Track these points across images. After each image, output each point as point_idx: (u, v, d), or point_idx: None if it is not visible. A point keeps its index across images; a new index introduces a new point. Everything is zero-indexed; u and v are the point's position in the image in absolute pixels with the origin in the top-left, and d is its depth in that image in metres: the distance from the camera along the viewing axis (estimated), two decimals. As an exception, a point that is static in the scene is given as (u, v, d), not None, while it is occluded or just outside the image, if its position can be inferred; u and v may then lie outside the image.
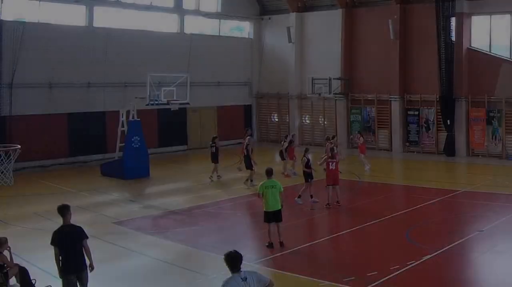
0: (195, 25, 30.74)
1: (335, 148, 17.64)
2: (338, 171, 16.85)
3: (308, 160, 16.89)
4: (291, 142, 22.30)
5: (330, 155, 16.51)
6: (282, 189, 12.53)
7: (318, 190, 17.10)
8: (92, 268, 8.78)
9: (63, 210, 8.66)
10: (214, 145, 21.21)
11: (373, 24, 28.45)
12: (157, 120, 28.02)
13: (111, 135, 24.43)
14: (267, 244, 12.48)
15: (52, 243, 8.51)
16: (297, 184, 20.02)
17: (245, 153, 20.03)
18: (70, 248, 8.50)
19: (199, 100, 29.31)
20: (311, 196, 16.80)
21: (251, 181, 19.40)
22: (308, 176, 16.77)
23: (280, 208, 12.43)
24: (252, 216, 15.96)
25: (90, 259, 8.73)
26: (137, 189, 19.75)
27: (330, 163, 16.37)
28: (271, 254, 12.11)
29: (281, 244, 12.47)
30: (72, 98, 25.18)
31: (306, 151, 17.30)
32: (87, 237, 8.73)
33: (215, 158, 21.07)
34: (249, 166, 19.84)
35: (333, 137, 22.35)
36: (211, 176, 20.92)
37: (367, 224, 14.41)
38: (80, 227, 8.79)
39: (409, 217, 15.30)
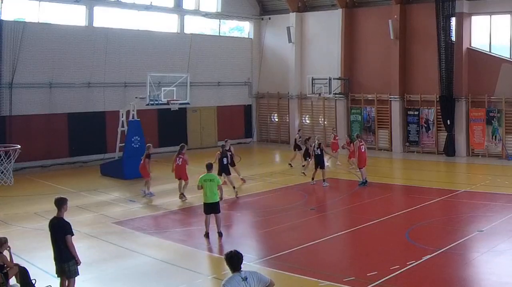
0: (195, 25, 30.76)
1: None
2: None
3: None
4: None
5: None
6: (220, 182, 13.57)
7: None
8: (78, 262, 9.14)
9: (58, 203, 9.14)
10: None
11: (373, 24, 28.45)
12: (157, 120, 28.03)
13: (111, 135, 24.44)
14: (204, 234, 13.29)
15: None
16: (305, 182, 20.13)
17: (319, 152, 19.85)
18: (53, 239, 9.05)
19: (199, 100, 29.40)
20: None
21: (324, 180, 19.59)
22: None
23: (217, 200, 13.34)
24: (252, 216, 15.96)
25: (74, 254, 9.04)
26: (137, 189, 19.73)
27: (362, 147, 19.52)
28: (269, 255, 12.11)
29: (220, 234, 13.27)
30: (72, 98, 25.21)
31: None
32: (71, 234, 9.02)
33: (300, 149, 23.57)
34: (322, 165, 19.89)
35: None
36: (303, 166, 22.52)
37: (367, 224, 14.41)
38: (67, 223, 9.07)
39: (409, 217, 15.30)
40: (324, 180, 19.51)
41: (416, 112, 27.28)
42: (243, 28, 33.92)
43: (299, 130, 26.93)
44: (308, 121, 31.70)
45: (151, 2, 28.15)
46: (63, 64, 24.69)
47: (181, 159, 18.01)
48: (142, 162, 18.41)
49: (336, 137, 24.94)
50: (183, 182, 17.92)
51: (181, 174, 17.94)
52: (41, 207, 16.25)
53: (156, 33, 28.54)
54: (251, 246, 12.97)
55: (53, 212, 9.52)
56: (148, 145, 18.97)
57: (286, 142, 32.09)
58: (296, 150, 24.23)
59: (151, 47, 27.81)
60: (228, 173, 18.63)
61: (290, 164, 23.94)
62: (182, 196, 17.73)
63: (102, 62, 25.87)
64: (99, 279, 10.89)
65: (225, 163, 18.55)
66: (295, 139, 24.76)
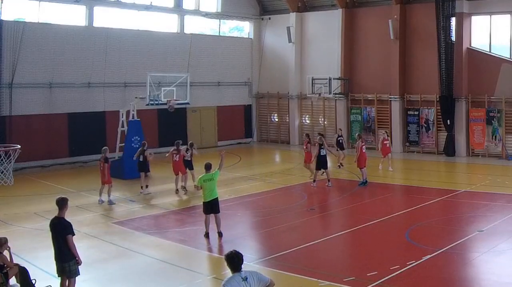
0: (195, 25, 30.76)
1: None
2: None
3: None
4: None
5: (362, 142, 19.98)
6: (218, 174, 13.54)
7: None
8: (79, 262, 9.15)
9: (60, 203, 9.16)
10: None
11: (373, 24, 28.46)
12: (157, 120, 28.03)
13: (111, 135, 24.43)
14: (204, 234, 13.35)
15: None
16: (305, 182, 20.12)
17: (325, 152, 19.65)
18: (54, 238, 9.06)
19: (199, 100, 29.38)
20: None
21: (314, 181, 19.42)
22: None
23: (216, 196, 13.35)
24: (252, 216, 15.96)
25: (75, 253, 9.06)
26: (137, 189, 19.74)
27: (363, 147, 19.86)
28: (269, 255, 12.11)
29: (220, 234, 13.27)
30: (72, 98, 25.20)
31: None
32: (71, 234, 9.03)
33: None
34: (326, 166, 19.71)
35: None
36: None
37: (367, 224, 14.41)
38: (68, 223, 9.09)
39: (409, 217, 15.30)
40: (328, 180, 19.50)
41: (416, 112, 27.28)
42: (243, 28, 33.91)
43: (340, 130, 25.56)
44: (308, 121, 31.70)
45: (151, 2, 28.14)
46: (63, 64, 24.69)
47: (178, 155, 18.93)
48: (101, 167, 17.22)
49: (385, 141, 23.03)
50: (181, 177, 18.96)
51: (180, 169, 18.96)
52: (41, 207, 16.26)
53: (156, 33, 28.54)
54: (251, 246, 12.97)
55: (53, 212, 9.53)
56: (104, 148, 17.95)
57: (286, 142, 32.13)
58: (338, 149, 23.62)
59: (151, 47, 27.80)
60: (190, 168, 19.57)
61: (340, 165, 23.29)
62: (183, 188, 18.81)
63: (102, 62, 25.86)
64: (99, 279, 10.89)
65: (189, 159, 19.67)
66: (337, 139, 23.99)
